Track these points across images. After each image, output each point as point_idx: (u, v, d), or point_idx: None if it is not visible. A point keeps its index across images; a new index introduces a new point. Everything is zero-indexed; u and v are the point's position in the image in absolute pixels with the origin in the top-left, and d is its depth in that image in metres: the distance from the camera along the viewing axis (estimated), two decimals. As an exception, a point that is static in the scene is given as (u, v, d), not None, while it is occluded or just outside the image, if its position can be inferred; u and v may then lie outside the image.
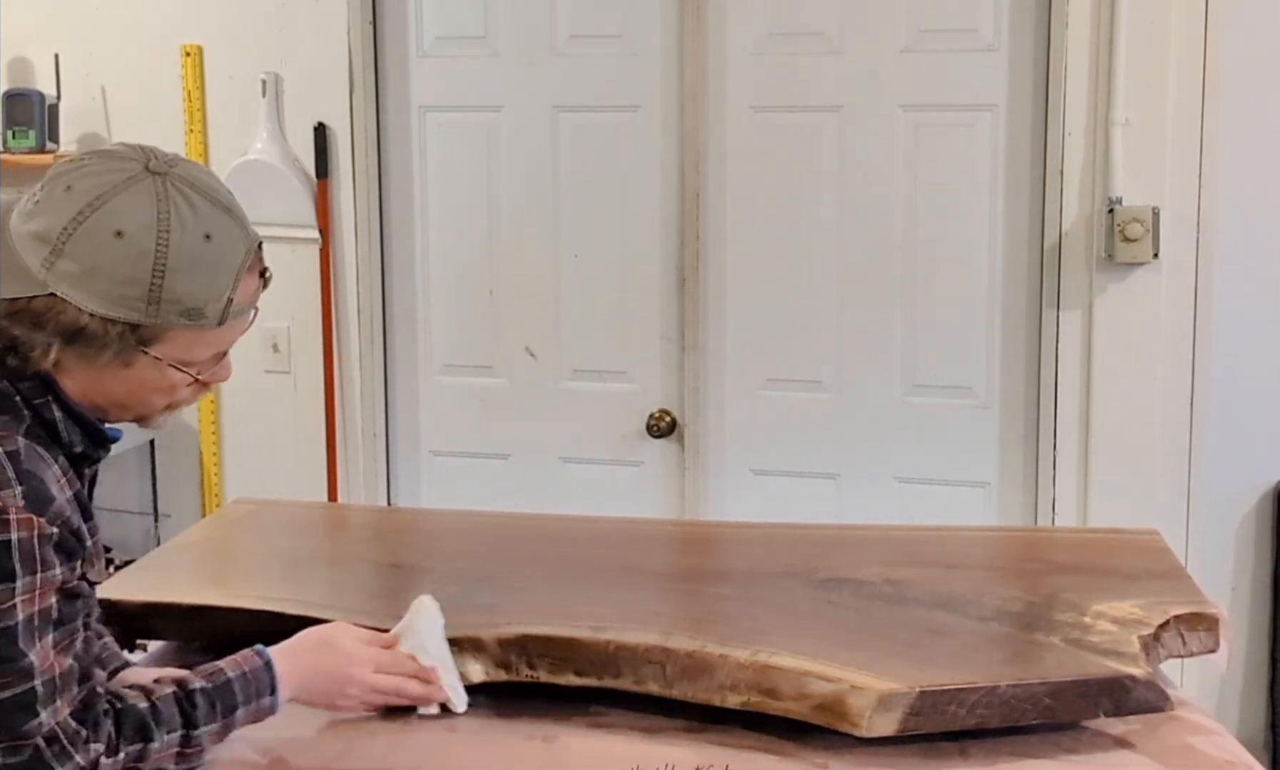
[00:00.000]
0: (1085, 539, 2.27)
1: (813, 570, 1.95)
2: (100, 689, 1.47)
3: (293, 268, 3.55)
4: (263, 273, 1.52)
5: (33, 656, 1.37)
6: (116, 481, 3.72)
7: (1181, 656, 1.77)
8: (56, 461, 1.44)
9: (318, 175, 3.50)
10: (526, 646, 1.70)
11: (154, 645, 2.04)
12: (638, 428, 3.45)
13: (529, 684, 1.71)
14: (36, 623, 1.38)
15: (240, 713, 1.56)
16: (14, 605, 1.36)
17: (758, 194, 3.34)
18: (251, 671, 1.58)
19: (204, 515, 3.62)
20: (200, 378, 1.52)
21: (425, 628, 1.69)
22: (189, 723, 1.51)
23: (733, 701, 1.62)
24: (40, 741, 1.38)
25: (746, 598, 1.87)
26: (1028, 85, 3.17)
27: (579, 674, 1.69)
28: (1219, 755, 1.58)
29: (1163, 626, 1.72)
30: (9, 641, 1.36)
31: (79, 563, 1.44)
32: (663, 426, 3.43)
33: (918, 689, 1.53)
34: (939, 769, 1.55)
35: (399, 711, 1.70)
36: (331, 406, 3.55)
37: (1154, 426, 3.15)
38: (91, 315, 1.39)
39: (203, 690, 1.54)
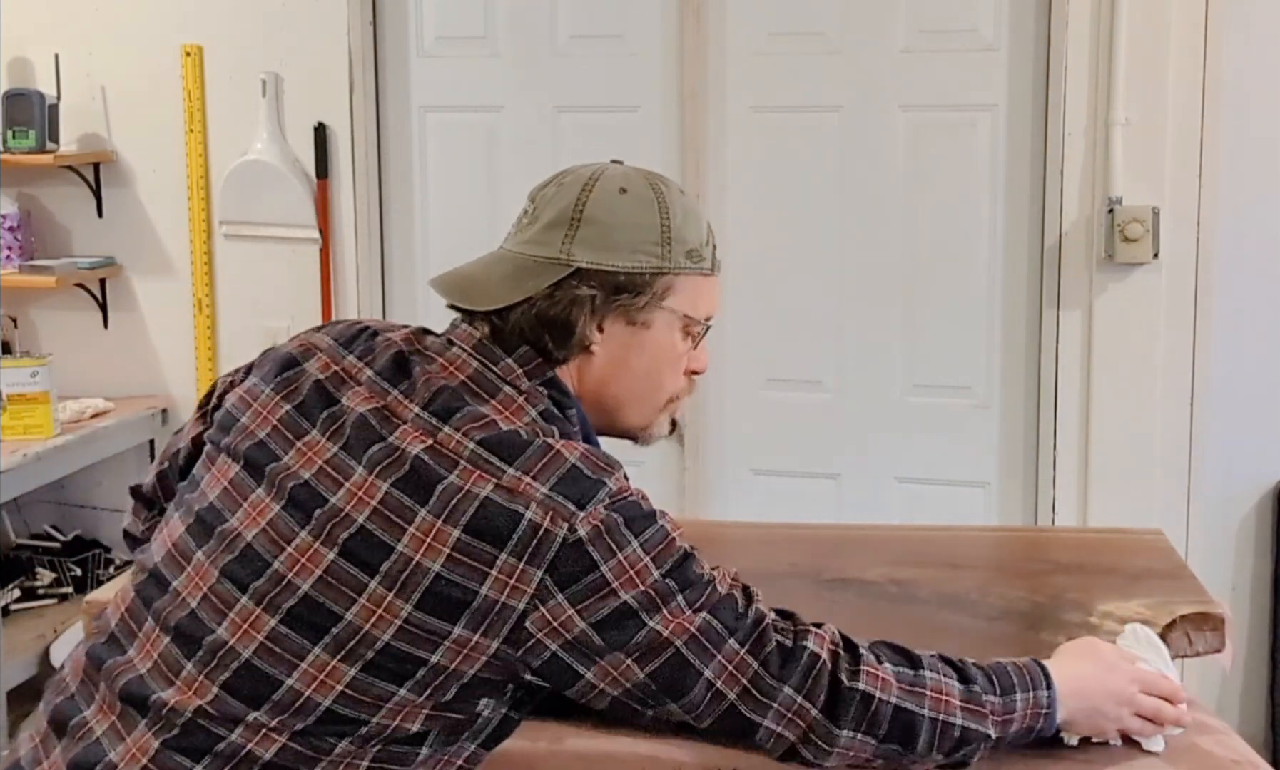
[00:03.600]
0: (1090, 539, 2.27)
1: (817, 570, 1.95)
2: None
3: (293, 268, 3.55)
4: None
5: (711, 572, 1.39)
6: (117, 482, 3.72)
7: (1187, 656, 1.77)
8: None
9: (318, 175, 3.50)
10: (532, 647, 1.70)
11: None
12: (638, 428, 3.45)
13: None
14: (694, 550, 1.40)
15: (1019, 698, 1.43)
16: (674, 539, 1.38)
17: (758, 194, 3.34)
18: (1023, 664, 1.46)
19: (204, 516, 3.62)
20: (690, 352, 1.54)
21: (1158, 645, 1.56)
22: (965, 678, 1.42)
23: (739, 702, 1.61)
24: (774, 632, 1.38)
25: (751, 598, 1.87)
26: (1028, 85, 3.17)
27: (585, 674, 1.68)
28: (1225, 755, 1.58)
29: (1169, 627, 1.72)
30: (690, 568, 1.37)
31: None
32: (663, 426, 3.42)
33: (925, 689, 1.53)
34: (946, 769, 1.55)
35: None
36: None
37: (1154, 426, 3.15)
38: (618, 270, 1.46)
39: (973, 663, 1.44)
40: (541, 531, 1.32)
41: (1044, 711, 1.44)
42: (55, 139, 3.55)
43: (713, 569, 1.40)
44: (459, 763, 1.41)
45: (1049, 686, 1.45)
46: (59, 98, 3.57)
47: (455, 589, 1.31)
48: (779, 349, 3.38)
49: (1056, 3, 3.10)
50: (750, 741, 1.39)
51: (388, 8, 3.51)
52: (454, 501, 1.33)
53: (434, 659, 1.33)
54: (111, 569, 3.63)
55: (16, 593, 3.51)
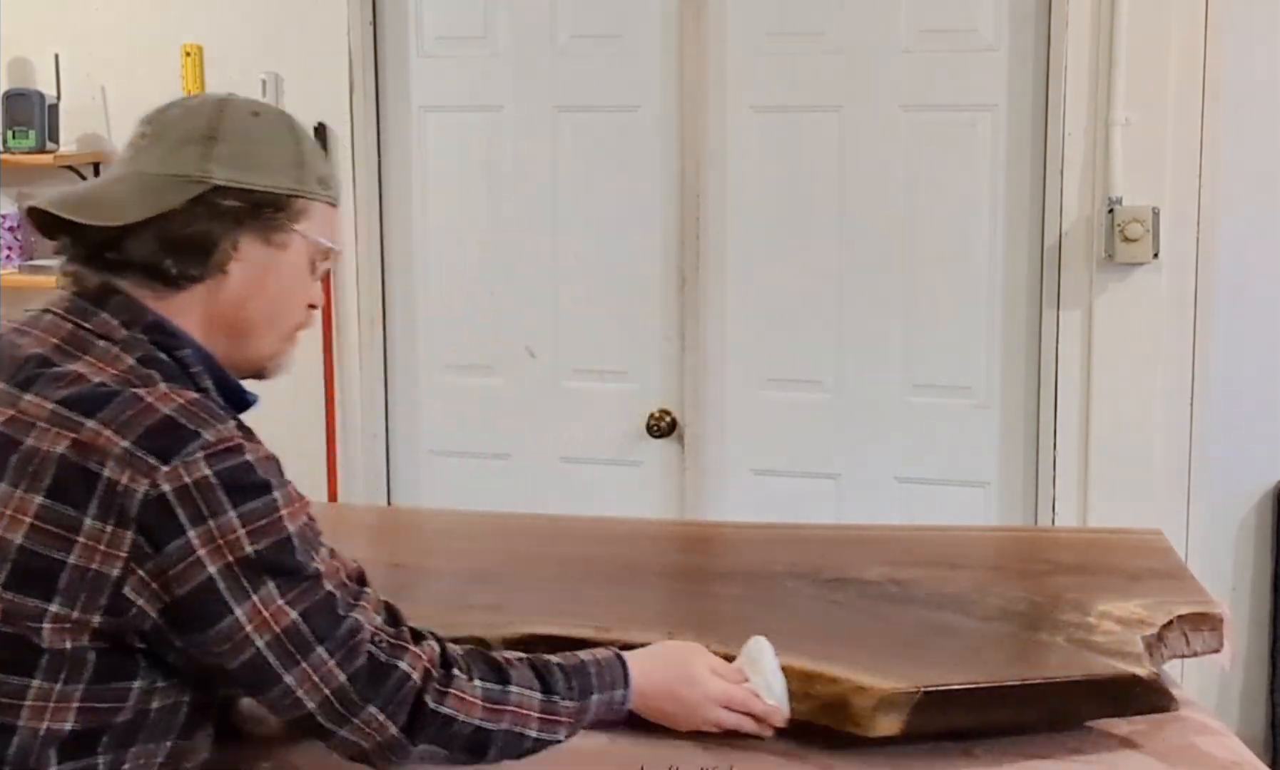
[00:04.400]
0: (1088, 539, 2.27)
1: (816, 570, 1.95)
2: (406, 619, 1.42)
3: (292, 268, 3.54)
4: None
5: (317, 564, 1.34)
6: (116, 482, 3.72)
7: (1185, 656, 1.77)
8: None
9: (317, 175, 3.49)
10: (531, 646, 1.70)
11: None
12: (638, 428, 3.45)
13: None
14: (308, 535, 1.35)
15: (595, 699, 1.49)
16: (280, 518, 1.32)
17: (758, 194, 3.34)
18: (605, 662, 1.52)
19: (203, 515, 3.62)
20: (314, 285, 1.52)
21: (770, 667, 1.60)
22: (548, 688, 1.45)
23: (737, 702, 1.62)
24: (369, 644, 1.34)
25: (750, 598, 1.87)
26: (1028, 85, 3.17)
27: (582, 674, 1.69)
28: (1224, 756, 1.58)
29: (1167, 626, 1.72)
30: (289, 555, 1.31)
31: None
32: (663, 426, 3.42)
33: (922, 689, 1.53)
34: (943, 769, 1.55)
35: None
36: (331, 406, 3.55)
37: (1154, 426, 3.15)
38: (258, 189, 1.42)
39: (558, 665, 1.48)
40: (120, 489, 1.25)
41: (617, 707, 1.52)
42: (55, 139, 3.55)
43: (329, 557, 1.36)
44: (160, 760, 1.35)
45: (626, 686, 1.52)
46: (59, 98, 3.57)
47: (40, 561, 1.25)
48: (779, 349, 3.38)
49: (1056, 3, 3.09)
50: (321, 740, 1.37)
51: (388, 8, 3.51)
52: (31, 466, 1.27)
53: (45, 644, 1.26)
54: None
55: (16, 592, 3.51)
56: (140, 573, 1.26)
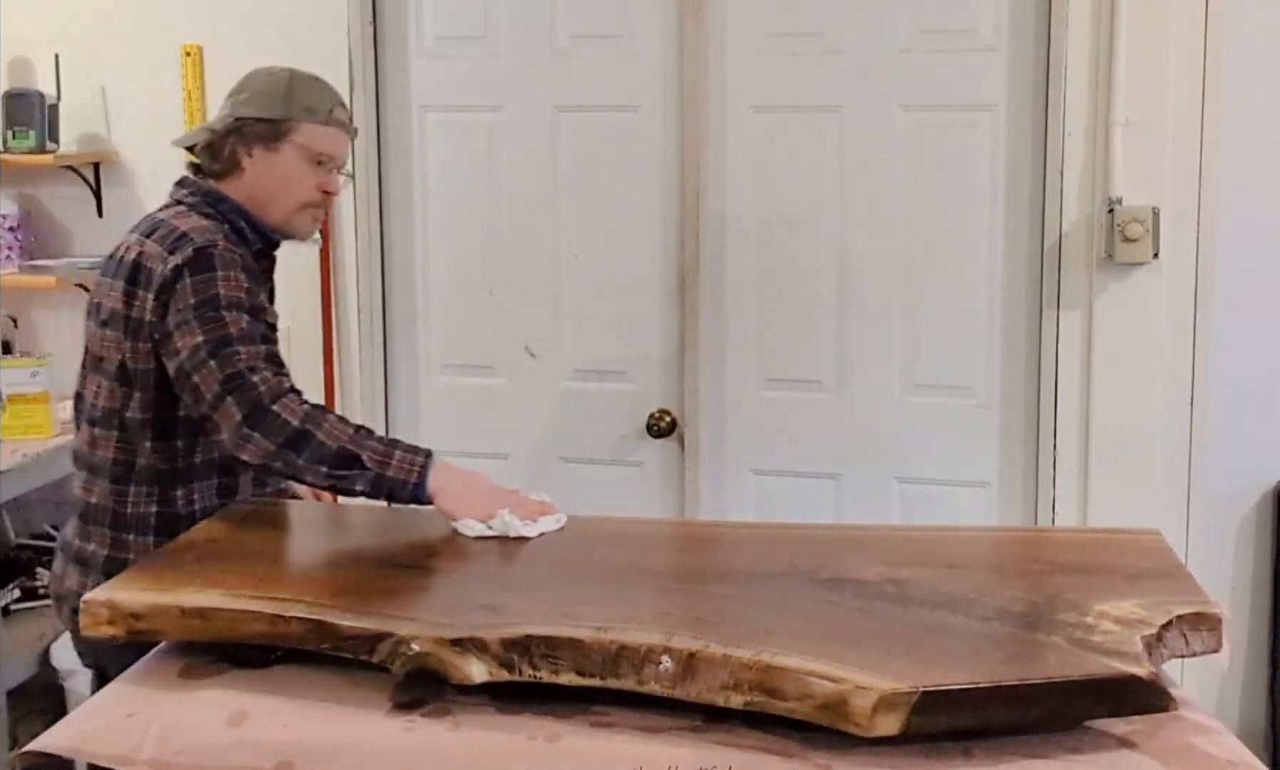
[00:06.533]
0: (1086, 539, 2.26)
1: (815, 570, 1.95)
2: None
3: (293, 267, 3.52)
4: (349, 129, 2.46)
5: (227, 316, 2.18)
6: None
7: (1184, 656, 1.76)
8: (241, 255, 2.29)
9: (317, 175, 3.49)
10: (529, 646, 1.70)
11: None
12: (638, 428, 3.45)
13: (531, 684, 1.70)
14: (234, 299, 2.20)
15: (398, 453, 2.14)
16: (215, 286, 2.20)
17: (758, 194, 3.34)
18: (413, 445, 2.18)
19: (204, 515, 3.62)
20: (318, 176, 2.39)
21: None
22: (361, 429, 2.17)
23: (736, 702, 1.61)
24: (242, 361, 2.15)
25: (749, 598, 1.87)
26: (1028, 85, 3.17)
27: (582, 674, 1.69)
28: (1221, 755, 1.58)
29: (1165, 626, 1.72)
30: (211, 305, 2.18)
31: (259, 293, 2.29)
32: (663, 426, 3.43)
33: (921, 689, 1.53)
34: (942, 769, 1.55)
35: (402, 711, 1.70)
36: (331, 406, 3.54)
37: (1154, 426, 3.15)
38: (255, 118, 2.36)
39: (369, 430, 2.20)
40: (146, 268, 2.25)
41: (418, 468, 2.14)
42: (55, 139, 3.55)
43: (243, 319, 2.19)
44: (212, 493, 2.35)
45: (428, 457, 2.16)
46: (59, 98, 3.57)
47: (120, 311, 2.27)
48: (779, 349, 3.38)
49: (1056, 3, 3.10)
50: (212, 417, 2.18)
51: (388, 8, 3.51)
52: (119, 268, 2.29)
53: (124, 358, 2.27)
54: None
55: (16, 593, 3.51)
56: (157, 317, 2.22)
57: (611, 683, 1.67)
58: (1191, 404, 3.14)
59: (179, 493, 2.30)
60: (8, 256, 3.59)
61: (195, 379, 2.15)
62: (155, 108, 3.59)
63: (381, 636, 1.74)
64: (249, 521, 2.26)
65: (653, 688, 1.66)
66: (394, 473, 2.12)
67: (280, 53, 3.47)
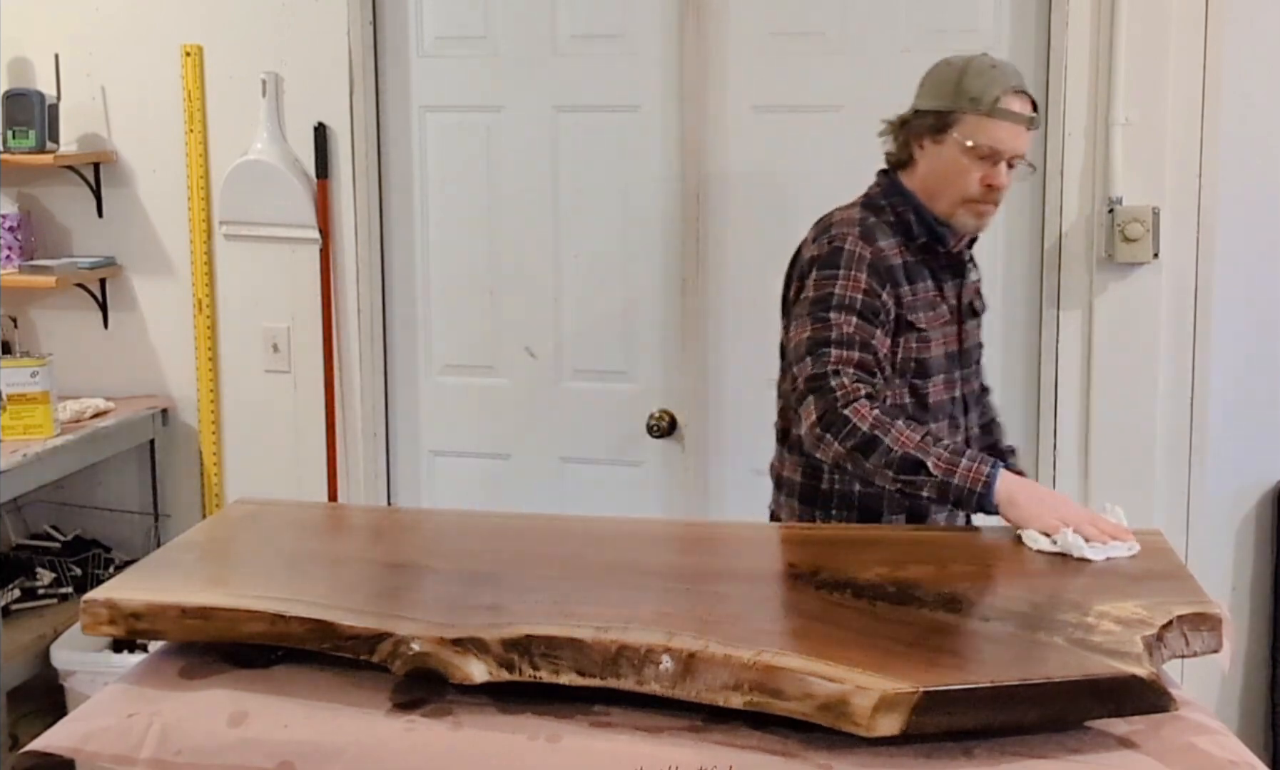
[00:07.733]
0: (1087, 539, 2.26)
1: (815, 570, 1.95)
2: (881, 389, 2.27)
3: (293, 268, 3.55)
4: (1031, 122, 2.37)
5: (835, 318, 2.25)
6: (116, 481, 3.72)
7: (1184, 656, 1.77)
8: (893, 239, 2.38)
9: (318, 175, 3.50)
10: (529, 647, 1.70)
11: (154, 645, 2.03)
12: (638, 428, 3.45)
13: (532, 684, 1.70)
14: (847, 300, 2.27)
15: (964, 462, 2.13)
16: (834, 284, 2.28)
17: (758, 194, 3.34)
18: (979, 454, 2.18)
19: (204, 515, 3.62)
20: (982, 170, 2.34)
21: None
22: (928, 435, 2.17)
23: (736, 702, 1.62)
24: (830, 364, 2.21)
25: (749, 598, 1.87)
26: (1028, 85, 3.15)
27: (582, 674, 1.69)
28: (1222, 755, 1.58)
29: (1166, 626, 1.72)
30: (824, 304, 2.27)
31: (888, 289, 2.31)
32: (663, 426, 3.43)
33: (921, 689, 1.53)
34: (943, 769, 1.55)
35: (402, 711, 1.70)
36: (331, 406, 3.55)
37: (1154, 426, 3.15)
38: (925, 110, 2.37)
39: (936, 436, 2.20)
40: (800, 248, 2.44)
41: (984, 478, 2.12)
42: (55, 139, 3.55)
43: (852, 320, 2.25)
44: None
45: (994, 467, 2.14)
46: (59, 98, 3.57)
47: (789, 290, 2.45)
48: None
49: (1056, 3, 3.10)
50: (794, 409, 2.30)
51: (388, 8, 3.51)
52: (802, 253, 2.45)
53: (781, 339, 2.47)
54: (111, 569, 3.63)
55: (16, 593, 3.51)
56: (794, 298, 2.37)
57: (612, 683, 1.68)
58: (1191, 404, 3.14)
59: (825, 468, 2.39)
60: (8, 256, 3.59)
61: (794, 370, 2.28)
62: (155, 108, 3.59)
63: (382, 636, 1.74)
64: (249, 522, 2.26)
65: (653, 688, 1.66)
66: (960, 480, 2.12)
67: (280, 53, 3.50)
